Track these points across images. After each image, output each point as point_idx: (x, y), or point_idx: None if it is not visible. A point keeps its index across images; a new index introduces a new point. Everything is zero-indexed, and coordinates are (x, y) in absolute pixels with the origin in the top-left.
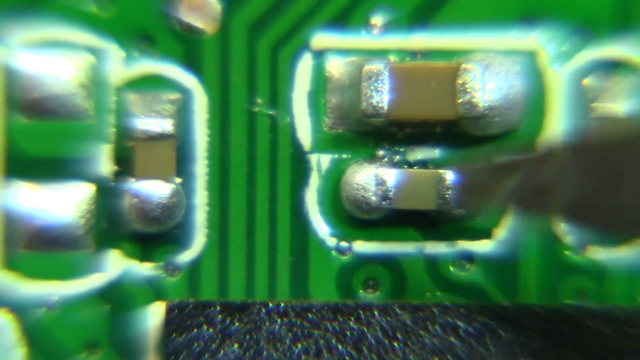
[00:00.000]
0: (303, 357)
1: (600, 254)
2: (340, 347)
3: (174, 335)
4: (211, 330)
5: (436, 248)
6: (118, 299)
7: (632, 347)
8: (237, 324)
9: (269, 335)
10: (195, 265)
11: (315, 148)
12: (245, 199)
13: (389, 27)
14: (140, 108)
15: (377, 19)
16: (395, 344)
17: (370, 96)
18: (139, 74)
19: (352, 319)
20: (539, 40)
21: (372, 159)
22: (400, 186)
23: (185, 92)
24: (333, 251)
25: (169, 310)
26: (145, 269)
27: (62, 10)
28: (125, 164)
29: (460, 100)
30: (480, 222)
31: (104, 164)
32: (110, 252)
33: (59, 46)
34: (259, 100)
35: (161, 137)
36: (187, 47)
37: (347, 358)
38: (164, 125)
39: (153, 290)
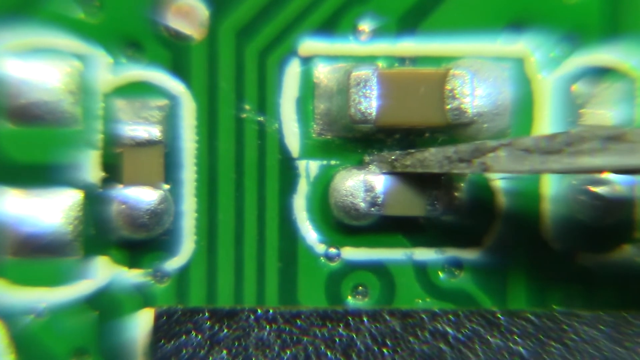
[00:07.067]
0: None
1: (589, 260)
2: (329, 353)
3: (162, 341)
4: (200, 336)
5: (425, 254)
6: (106, 305)
7: (621, 353)
8: (225, 330)
9: (257, 341)
10: (183, 272)
11: (303, 154)
12: (234, 206)
13: (377, 33)
14: (127, 114)
15: (365, 25)
16: (385, 350)
17: (359, 102)
18: (126, 81)
19: (341, 325)
20: (527, 46)
21: (361, 165)
22: (389, 192)
23: (172, 99)
24: (322, 258)
25: (158, 317)
26: (133, 275)
27: (50, 16)
28: (113, 171)
29: (449, 107)
30: (470, 228)
31: (92, 170)
32: (98, 259)
33: (47, 52)
34: (247, 107)
35: (149, 143)
36: (174, 53)
37: None
38: (152, 131)
39: (141, 297)
